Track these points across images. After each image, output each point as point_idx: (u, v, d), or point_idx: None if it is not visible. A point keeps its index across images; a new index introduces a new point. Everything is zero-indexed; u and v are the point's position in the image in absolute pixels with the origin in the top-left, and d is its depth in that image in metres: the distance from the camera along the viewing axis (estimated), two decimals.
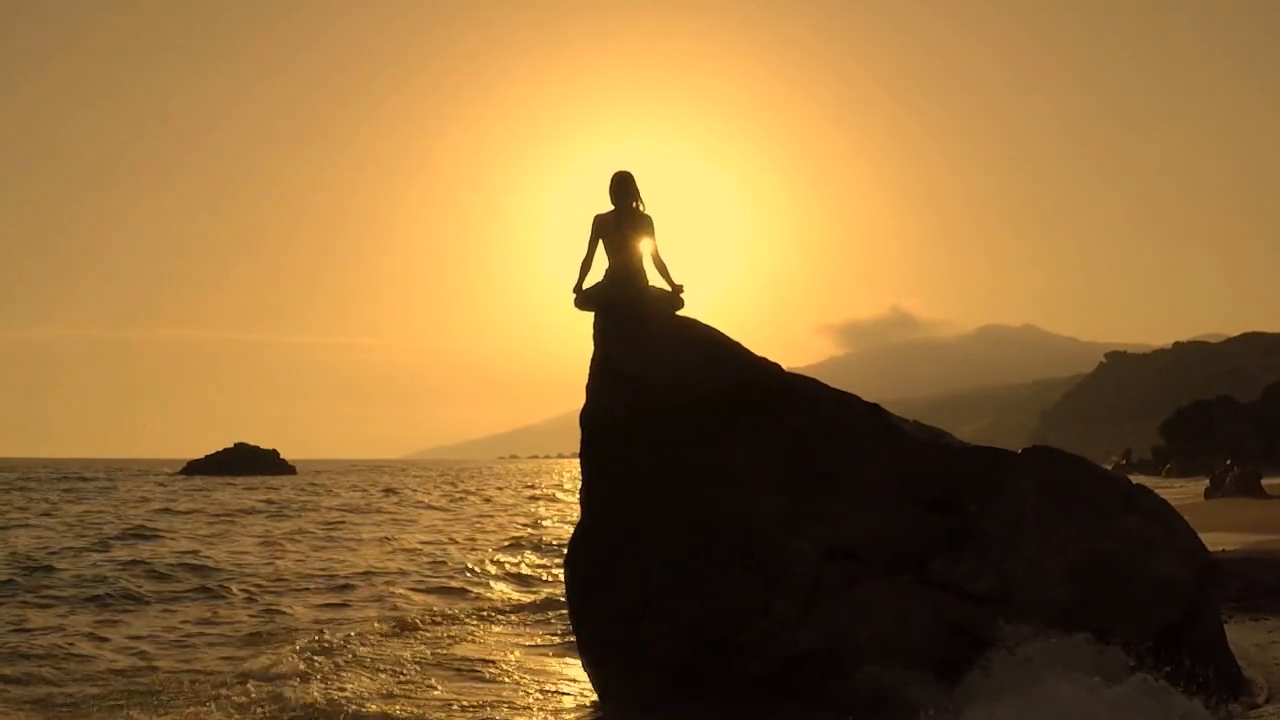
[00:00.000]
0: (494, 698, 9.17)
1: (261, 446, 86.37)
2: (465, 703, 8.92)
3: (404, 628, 12.79)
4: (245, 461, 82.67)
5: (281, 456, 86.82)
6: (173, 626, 12.99)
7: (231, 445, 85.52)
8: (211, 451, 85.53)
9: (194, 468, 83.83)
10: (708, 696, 7.41)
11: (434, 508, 40.60)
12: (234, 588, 16.00)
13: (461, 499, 48.58)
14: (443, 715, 8.50)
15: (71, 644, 11.48)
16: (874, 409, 8.09)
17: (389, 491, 55.67)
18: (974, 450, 8.08)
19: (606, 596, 7.73)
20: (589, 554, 7.92)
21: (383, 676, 9.94)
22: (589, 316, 8.60)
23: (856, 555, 7.62)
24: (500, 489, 61.38)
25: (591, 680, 8.19)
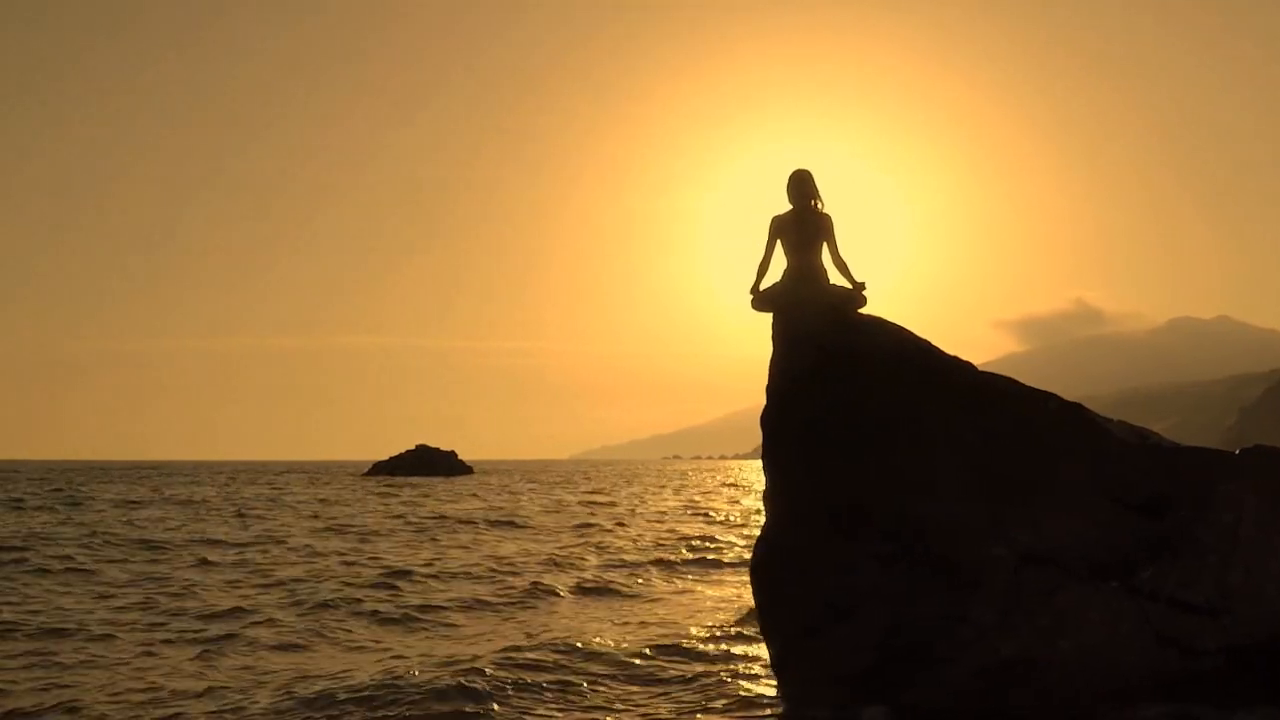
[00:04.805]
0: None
1: (440, 448, 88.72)
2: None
3: None
4: (426, 463, 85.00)
5: (459, 457, 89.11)
6: None
7: (413, 447, 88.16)
8: (394, 454, 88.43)
9: (379, 469, 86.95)
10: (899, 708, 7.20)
11: None
12: None
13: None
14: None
15: None
16: (1075, 408, 7.70)
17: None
18: (1186, 451, 7.59)
19: (794, 603, 7.59)
20: (775, 559, 7.79)
21: None
22: (764, 318, 8.45)
23: (1057, 561, 7.27)
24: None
25: (780, 687, 8.06)
